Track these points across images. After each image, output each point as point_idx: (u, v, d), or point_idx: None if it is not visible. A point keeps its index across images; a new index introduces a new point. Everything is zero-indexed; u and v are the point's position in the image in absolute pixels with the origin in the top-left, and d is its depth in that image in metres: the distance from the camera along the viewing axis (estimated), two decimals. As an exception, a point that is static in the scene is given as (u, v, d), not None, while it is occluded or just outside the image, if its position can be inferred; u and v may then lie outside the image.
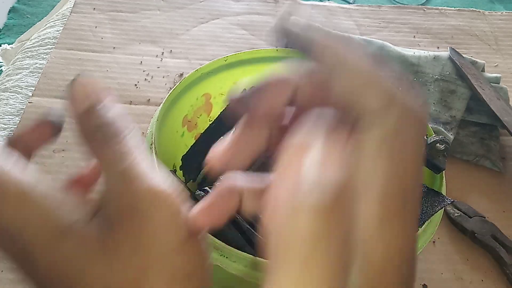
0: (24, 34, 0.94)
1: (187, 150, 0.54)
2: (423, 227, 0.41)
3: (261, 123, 0.26)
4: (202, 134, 0.55)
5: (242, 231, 0.43)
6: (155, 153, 0.43)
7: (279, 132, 0.26)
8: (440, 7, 0.98)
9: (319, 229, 0.20)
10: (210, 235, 0.38)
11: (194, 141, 0.55)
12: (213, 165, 0.26)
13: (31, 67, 0.78)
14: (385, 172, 0.22)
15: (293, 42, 0.25)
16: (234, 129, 0.26)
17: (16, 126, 0.69)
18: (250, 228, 0.43)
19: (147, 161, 0.25)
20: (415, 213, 0.24)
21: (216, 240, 0.37)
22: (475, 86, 0.73)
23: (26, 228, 0.23)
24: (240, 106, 0.25)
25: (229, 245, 0.37)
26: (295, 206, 0.20)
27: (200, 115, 0.55)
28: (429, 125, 0.50)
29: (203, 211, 0.25)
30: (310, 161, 0.21)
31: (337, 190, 0.20)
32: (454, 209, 0.62)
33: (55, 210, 0.24)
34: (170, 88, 0.76)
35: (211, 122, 0.55)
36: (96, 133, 0.25)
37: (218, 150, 0.26)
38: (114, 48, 0.83)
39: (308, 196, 0.20)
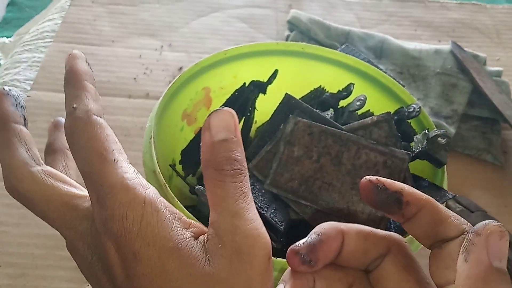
0: (22, 27, 0.93)
1: (186, 144, 0.53)
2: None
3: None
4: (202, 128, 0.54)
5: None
6: (154, 148, 0.42)
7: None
8: (441, 0, 0.97)
9: None
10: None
11: (194, 135, 0.54)
12: None
13: (29, 60, 0.77)
14: None
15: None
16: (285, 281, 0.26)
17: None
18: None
19: (253, 204, 0.27)
20: None
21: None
22: (477, 79, 0.72)
23: (138, 239, 0.25)
24: (300, 261, 0.25)
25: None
26: None
27: (200, 109, 0.55)
28: (431, 119, 0.50)
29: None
30: None
31: None
32: (456, 204, 0.62)
33: (172, 224, 0.26)
34: (169, 82, 0.75)
35: (211, 116, 0.55)
36: (225, 164, 0.26)
37: None
38: (113, 41, 0.82)
39: None
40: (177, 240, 0.25)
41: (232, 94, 0.54)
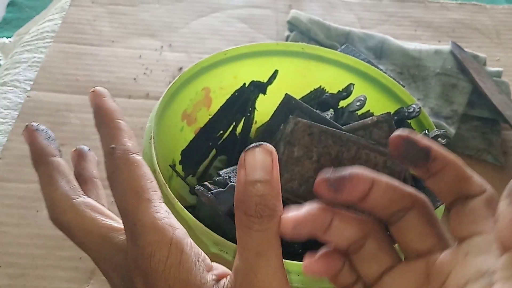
0: (22, 27, 0.93)
1: (186, 145, 0.53)
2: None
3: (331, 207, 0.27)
4: (202, 129, 0.54)
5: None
6: (154, 148, 0.42)
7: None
8: (441, 1, 0.97)
9: None
10: (208, 229, 0.37)
11: (194, 135, 0.54)
12: (283, 226, 0.26)
13: (29, 61, 0.77)
14: None
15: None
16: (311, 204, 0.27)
17: (14, 120, 0.68)
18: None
19: (277, 253, 0.26)
20: None
21: (215, 234, 0.37)
22: (477, 80, 0.72)
23: (162, 278, 0.26)
24: (327, 189, 0.26)
25: (228, 239, 0.37)
26: None
27: (200, 109, 0.55)
28: (431, 119, 0.50)
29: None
30: None
31: None
32: (455, 204, 0.62)
33: (194, 266, 0.27)
34: (169, 82, 0.75)
35: (211, 116, 0.55)
36: (254, 210, 0.26)
37: (294, 215, 0.26)
38: (112, 41, 0.82)
39: None
40: (195, 282, 0.26)
41: (232, 95, 0.54)
